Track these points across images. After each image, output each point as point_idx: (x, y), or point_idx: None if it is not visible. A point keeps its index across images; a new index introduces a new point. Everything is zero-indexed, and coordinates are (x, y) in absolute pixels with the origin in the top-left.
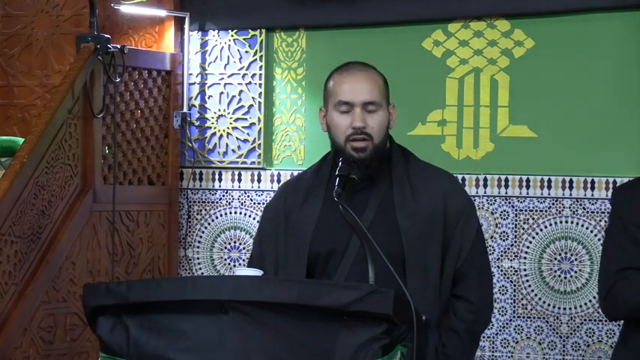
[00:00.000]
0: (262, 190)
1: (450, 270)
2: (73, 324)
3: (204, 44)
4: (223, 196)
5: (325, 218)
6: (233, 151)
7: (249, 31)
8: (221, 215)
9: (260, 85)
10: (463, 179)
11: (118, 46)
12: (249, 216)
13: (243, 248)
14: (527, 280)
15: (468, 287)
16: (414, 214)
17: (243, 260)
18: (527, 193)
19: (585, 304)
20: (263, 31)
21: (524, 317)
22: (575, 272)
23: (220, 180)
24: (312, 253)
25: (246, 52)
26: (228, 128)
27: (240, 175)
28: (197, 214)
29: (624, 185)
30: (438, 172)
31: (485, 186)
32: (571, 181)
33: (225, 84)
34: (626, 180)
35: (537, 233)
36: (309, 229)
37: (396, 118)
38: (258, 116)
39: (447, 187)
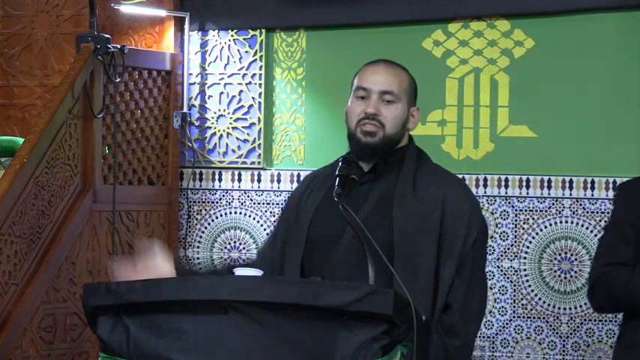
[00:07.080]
0: (262, 190)
1: (448, 278)
2: (73, 324)
3: (204, 44)
4: (223, 196)
5: (326, 205)
6: (233, 151)
7: (249, 31)
8: (221, 215)
9: (260, 85)
10: (463, 179)
11: (118, 46)
12: (249, 216)
13: (243, 248)
14: (527, 280)
15: (453, 298)
16: (410, 211)
17: (244, 260)
18: (527, 193)
19: (585, 303)
20: (263, 31)
21: (524, 317)
22: (575, 272)
23: (220, 180)
24: (310, 237)
25: (246, 52)
26: (228, 128)
27: (240, 175)
28: (197, 214)
29: (626, 183)
30: (447, 177)
31: (485, 186)
32: (571, 181)
33: (225, 84)
34: (626, 180)
35: (537, 233)
36: (309, 215)
37: (417, 122)
38: (258, 116)
39: (448, 190)
